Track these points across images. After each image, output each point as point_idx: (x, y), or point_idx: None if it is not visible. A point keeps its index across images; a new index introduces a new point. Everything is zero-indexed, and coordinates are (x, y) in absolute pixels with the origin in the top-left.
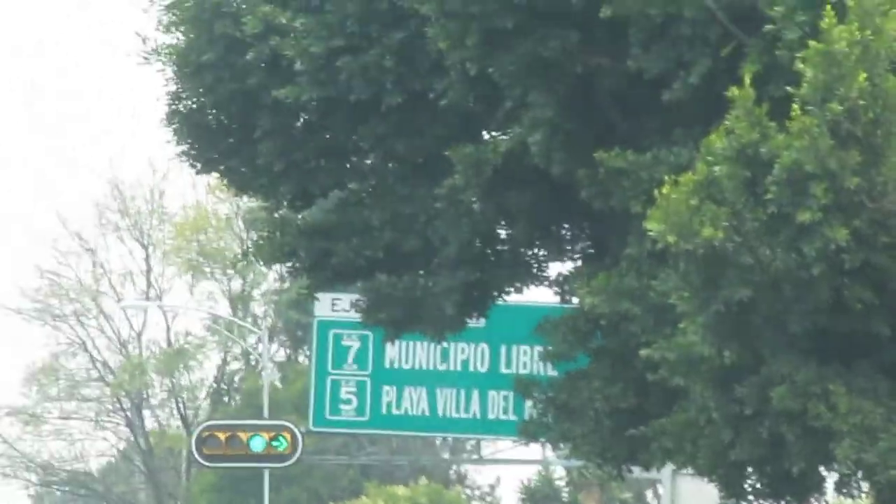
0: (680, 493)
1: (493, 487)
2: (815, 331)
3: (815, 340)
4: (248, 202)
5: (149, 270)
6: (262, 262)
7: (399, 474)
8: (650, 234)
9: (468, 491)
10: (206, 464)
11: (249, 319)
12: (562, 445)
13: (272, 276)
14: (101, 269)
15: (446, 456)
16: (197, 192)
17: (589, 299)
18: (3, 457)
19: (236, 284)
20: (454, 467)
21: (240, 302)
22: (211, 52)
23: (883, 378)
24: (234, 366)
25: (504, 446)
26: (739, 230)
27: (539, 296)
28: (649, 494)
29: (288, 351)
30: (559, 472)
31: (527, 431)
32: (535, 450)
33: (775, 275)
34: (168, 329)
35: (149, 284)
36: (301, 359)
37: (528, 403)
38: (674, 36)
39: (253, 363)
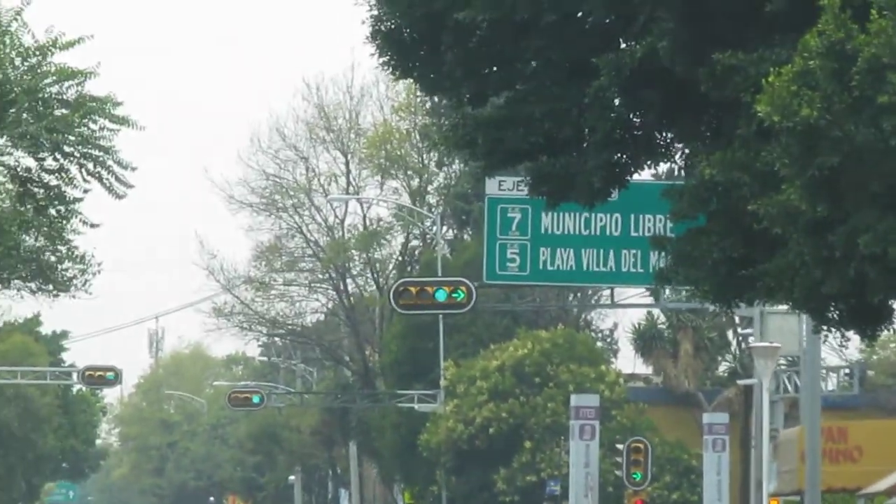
0: (768, 328)
1: (611, 331)
2: (893, 190)
3: (893, 197)
4: (422, 119)
5: (348, 172)
6: (448, 149)
7: (541, 321)
8: (758, 115)
9: (593, 334)
10: (401, 311)
11: (425, 208)
12: (674, 291)
13: (442, 176)
14: (312, 172)
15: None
16: (384, 113)
17: (708, 170)
18: (241, 315)
19: (414, 182)
20: (583, 316)
21: (417, 195)
22: None
23: None
24: (415, 243)
25: (622, 294)
26: (830, 110)
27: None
28: (730, 334)
29: (455, 231)
30: (661, 319)
31: (661, 277)
32: (645, 299)
33: (859, 146)
34: (364, 216)
35: (348, 183)
36: (465, 237)
37: (653, 259)
38: None
39: (429, 240)
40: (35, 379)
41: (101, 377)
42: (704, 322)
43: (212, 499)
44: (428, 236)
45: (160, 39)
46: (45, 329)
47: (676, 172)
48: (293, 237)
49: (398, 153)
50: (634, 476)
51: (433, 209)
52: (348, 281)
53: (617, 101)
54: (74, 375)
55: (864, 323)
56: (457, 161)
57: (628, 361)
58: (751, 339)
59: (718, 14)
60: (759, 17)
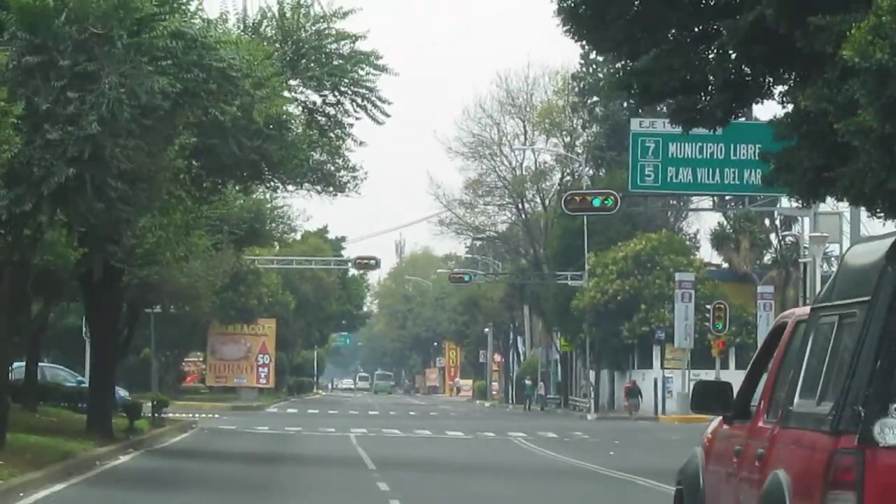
0: (819, 224)
1: (695, 234)
2: None
3: None
4: (572, 98)
5: (525, 132)
6: (609, 90)
7: (650, 227)
8: (844, 57)
9: (683, 235)
10: (570, 213)
11: (575, 155)
12: (742, 202)
13: (585, 135)
14: (502, 132)
15: (670, 213)
16: (548, 94)
17: (803, 102)
18: (455, 224)
19: (567, 139)
20: (677, 224)
21: (570, 147)
22: None
23: None
24: (567, 178)
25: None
26: None
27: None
28: (773, 237)
29: (594, 171)
30: (727, 226)
31: (767, 181)
32: (716, 209)
33: None
34: (535, 160)
35: (525, 139)
36: (600, 174)
37: (746, 175)
38: None
39: (576, 177)
40: (323, 265)
41: (366, 263)
42: (757, 227)
43: (435, 343)
44: (576, 174)
45: (405, 23)
46: (331, 235)
47: (772, 115)
48: (489, 174)
49: (557, 120)
50: (717, 326)
51: (580, 156)
52: (525, 202)
53: (733, 55)
54: (349, 263)
55: None
56: (595, 125)
57: (706, 253)
58: (788, 238)
59: None
60: None
